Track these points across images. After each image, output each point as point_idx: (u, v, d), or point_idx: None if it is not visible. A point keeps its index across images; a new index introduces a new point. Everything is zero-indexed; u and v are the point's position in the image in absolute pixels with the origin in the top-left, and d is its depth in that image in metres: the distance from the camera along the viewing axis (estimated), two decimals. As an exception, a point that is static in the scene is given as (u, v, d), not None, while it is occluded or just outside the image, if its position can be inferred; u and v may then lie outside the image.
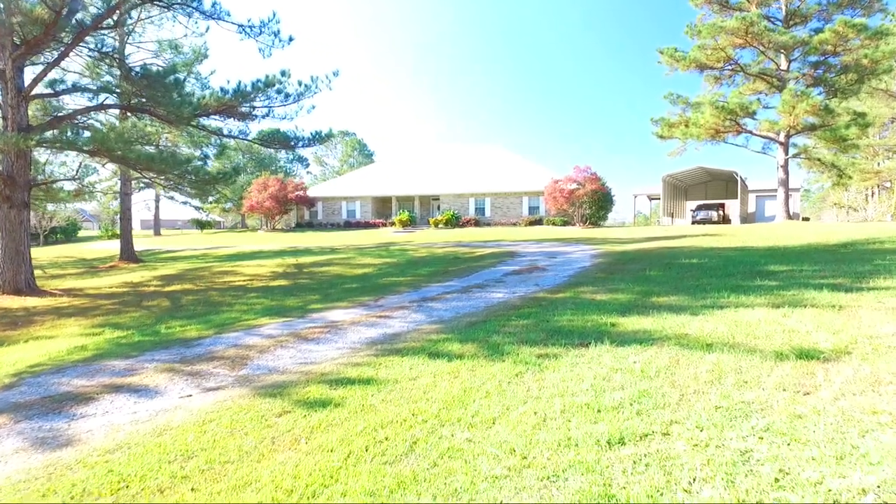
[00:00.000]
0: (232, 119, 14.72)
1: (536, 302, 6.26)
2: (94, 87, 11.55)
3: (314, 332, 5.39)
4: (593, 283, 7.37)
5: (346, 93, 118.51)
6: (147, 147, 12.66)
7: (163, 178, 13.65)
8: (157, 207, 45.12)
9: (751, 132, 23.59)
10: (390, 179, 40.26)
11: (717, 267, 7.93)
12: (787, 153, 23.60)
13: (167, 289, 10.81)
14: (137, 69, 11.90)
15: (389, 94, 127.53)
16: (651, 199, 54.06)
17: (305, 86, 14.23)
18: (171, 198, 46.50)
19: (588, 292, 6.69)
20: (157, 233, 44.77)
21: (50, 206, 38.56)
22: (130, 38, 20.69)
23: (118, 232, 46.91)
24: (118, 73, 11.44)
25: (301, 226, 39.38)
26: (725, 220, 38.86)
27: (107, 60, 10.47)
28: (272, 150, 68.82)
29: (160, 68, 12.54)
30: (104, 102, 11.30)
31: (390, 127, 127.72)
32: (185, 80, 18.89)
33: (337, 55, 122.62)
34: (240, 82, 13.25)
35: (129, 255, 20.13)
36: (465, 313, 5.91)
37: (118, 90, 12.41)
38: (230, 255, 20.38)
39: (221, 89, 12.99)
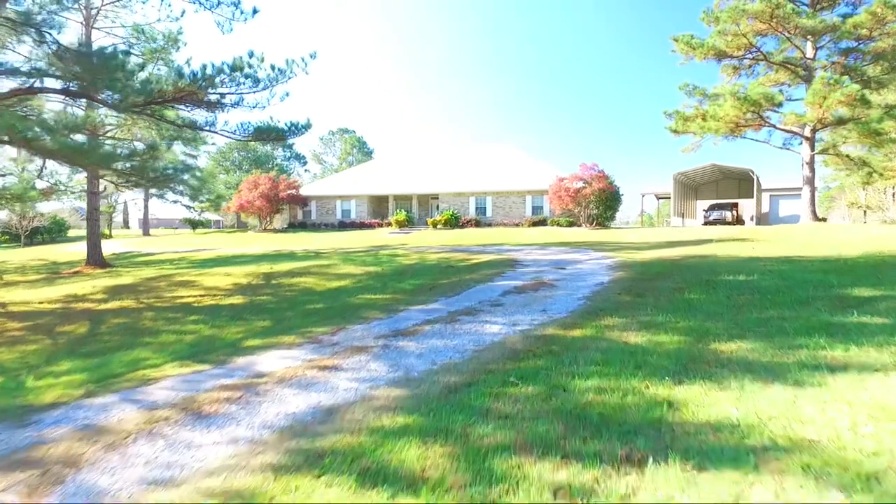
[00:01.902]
0: (200, 109, 13.08)
1: (545, 345, 4.50)
2: (27, 70, 9.84)
3: (220, 398, 3.65)
4: (619, 312, 5.60)
5: (346, 91, 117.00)
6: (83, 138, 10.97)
7: (109, 172, 11.95)
8: (146, 207, 43.54)
9: (774, 126, 21.71)
10: (387, 178, 38.51)
11: (778, 289, 6.15)
12: (812, 149, 21.73)
13: (104, 306, 9.12)
14: (73, 48, 10.21)
15: (389, 91, 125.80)
16: (659, 197, 52.18)
17: (279, 70, 12.47)
18: (161, 196, 45.01)
19: (615, 327, 4.92)
20: (147, 233, 43.21)
21: (40, 207, 37.18)
22: (97, 21, 19.08)
23: (106, 233, 45.58)
24: (54, 52, 9.78)
25: (294, 226, 37.71)
26: (738, 220, 36.97)
27: (33, 35, 8.88)
28: (269, 148, 67.29)
29: (102, 47, 10.83)
30: (34, 86, 9.68)
31: (390, 125, 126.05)
32: (152, 67, 17.23)
33: (337, 54, 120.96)
34: (204, 65, 11.55)
35: (96, 259, 18.48)
36: (443, 364, 4.16)
37: (58, 73, 10.69)
38: (206, 259, 18.71)
39: (178, 72, 11.27)
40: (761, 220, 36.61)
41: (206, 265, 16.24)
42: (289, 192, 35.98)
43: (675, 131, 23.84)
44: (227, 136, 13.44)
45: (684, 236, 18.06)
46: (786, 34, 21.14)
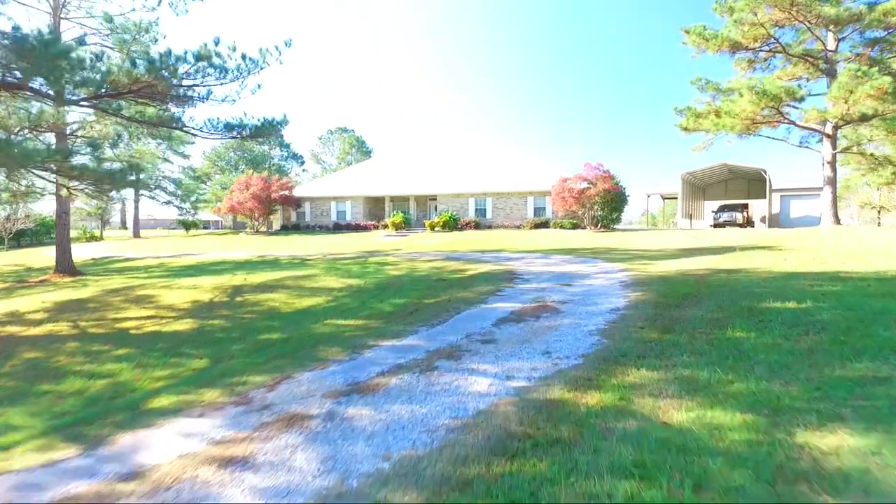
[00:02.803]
0: (171, 104, 11.79)
1: (551, 422, 3.15)
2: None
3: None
4: (647, 359, 4.25)
5: (345, 89, 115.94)
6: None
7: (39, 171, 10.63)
8: (136, 208, 42.33)
9: (793, 123, 20.26)
10: (384, 178, 37.19)
11: (848, 324, 4.77)
12: (834, 147, 20.29)
13: (33, 330, 7.81)
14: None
15: (389, 91, 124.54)
16: (665, 198, 50.76)
17: (251, 59, 11.20)
18: (153, 197, 43.86)
19: (646, 389, 3.57)
20: (137, 235, 42.00)
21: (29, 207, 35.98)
22: (69, 12, 17.81)
23: (97, 234, 44.44)
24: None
25: (287, 228, 36.46)
26: (748, 222, 35.50)
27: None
28: (265, 147, 66.14)
29: (39, 31, 9.51)
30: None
31: (390, 125, 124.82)
32: (121, 60, 15.91)
33: (335, 52, 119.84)
34: (161, 53, 10.25)
35: (65, 267, 17.22)
36: (400, 460, 2.82)
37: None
38: (183, 267, 17.43)
39: (132, 62, 9.97)
40: (772, 221, 35.13)
41: (180, 274, 14.96)
42: (282, 192, 34.72)
43: (686, 129, 22.43)
44: (193, 134, 12.14)
45: (700, 241, 16.66)
46: (806, 24, 19.69)
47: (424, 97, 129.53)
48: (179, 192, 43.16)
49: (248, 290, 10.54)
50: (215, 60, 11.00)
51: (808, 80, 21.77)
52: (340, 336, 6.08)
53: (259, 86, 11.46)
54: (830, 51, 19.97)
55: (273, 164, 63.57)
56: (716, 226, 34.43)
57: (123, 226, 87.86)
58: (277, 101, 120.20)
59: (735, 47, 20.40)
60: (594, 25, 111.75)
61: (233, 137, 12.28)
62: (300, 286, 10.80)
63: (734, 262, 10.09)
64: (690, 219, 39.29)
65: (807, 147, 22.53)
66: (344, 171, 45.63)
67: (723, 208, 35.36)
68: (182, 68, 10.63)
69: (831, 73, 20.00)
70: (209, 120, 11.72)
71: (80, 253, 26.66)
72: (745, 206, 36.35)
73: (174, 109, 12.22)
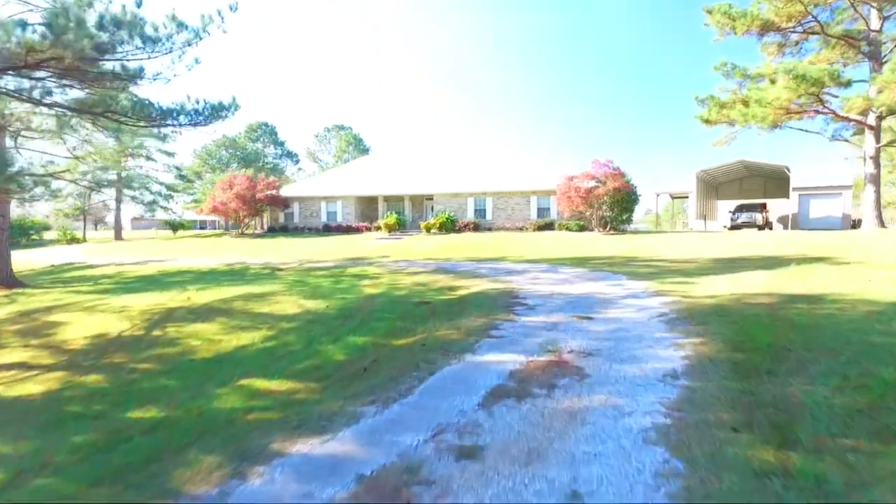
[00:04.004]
0: (95, 84, 9.57)
1: None
2: None
3: None
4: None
5: (344, 88, 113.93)
6: None
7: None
8: (118, 209, 40.20)
9: (833, 112, 17.90)
10: (378, 176, 34.95)
11: None
12: (878, 140, 17.96)
13: None
14: None
15: (388, 88, 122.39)
16: (674, 197, 48.38)
17: (187, 27, 9.01)
18: (134, 198, 41.75)
19: None
20: (119, 237, 39.88)
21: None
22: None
23: (78, 236, 42.35)
24: None
25: (274, 230, 34.26)
26: (766, 223, 33.11)
27: None
28: (259, 145, 63.93)
29: None
30: None
31: (389, 124, 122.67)
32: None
33: (334, 49, 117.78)
34: (61, 8, 8.05)
35: (2, 278, 15.06)
36: None
37: None
38: (136, 277, 15.28)
39: (21, 25, 7.76)
40: (791, 222, 32.72)
41: (124, 289, 12.76)
42: (268, 192, 32.50)
43: (708, 121, 20.10)
44: (120, 122, 9.92)
45: (732, 248, 14.38)
46: (847, 2, 17.35)
47: (424, 97, 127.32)
48: (164, 192, 40.98)
49: (180, 318, 8.33)
50: (148, 31, 8.86)
51: (845, 65, 19.42)
52: (239, 424, 3.85)
53: (196, 60, 9.22)
54: (874, 31, 17.64)
55: (267, 163, 61.46)
56: (733, 227, 32.06)
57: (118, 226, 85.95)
58: (275, 101, 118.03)
59: (765, 28, 18.05)
60: (595, 24, 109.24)
61: (171, 125, 10.06)
62: (247, 311, 8.58)
63: (801, 282, 7.82)
64: (704, 219, 36.93)
65: (843, 140, 20.19)
66: (336, 170, 43.40)
67: (740, 208, 32.96)
68: (98, 37, 8.46)
69: (874, 57, 17.67)
70: (138, 103, 9.52)
71: (43, 258, 24.57)
72: (764, 206, 33.98)
73: (104, 92, 10.04)
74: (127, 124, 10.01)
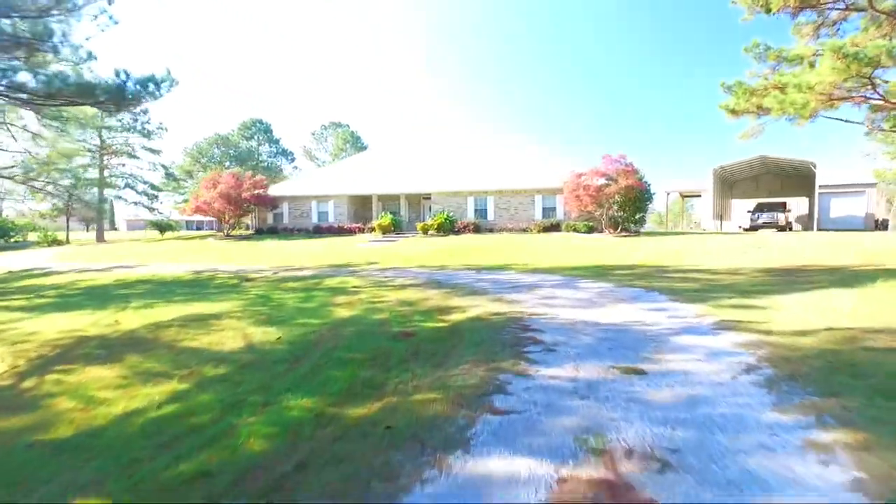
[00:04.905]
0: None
1: None
2: None
3: None
4: None
5: (343, 88, 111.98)
6: None
7: None
8: (99, 209, 38.23)
9: (883, 98, 15.76)
10: (373, 175, 32.92)
11: None
12: (931, 131, 15.86)
13: None
14: None
15: (388, 88, 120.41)
16: (684, 196, 46.31)
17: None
18: (119, 197, 39.85)
19: None
20: (101, 238, 37.92)
21: None
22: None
23: (60, 238, 40.41)
24: None
25: (262, 231, 32.26)
26: (788, 224, 31.00)
27: None
28: (254, 143, 61.91)
29: None
30: None
31: (389, 123, 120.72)
32: None
33: (333, 47, 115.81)
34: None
35: (-71, 289, 13.08)
36: None
37: None
38: (85, 288, 13.29)
39: None
40: (811, 223, 30.58)
41: (64, 302, 10.77)
42: (255, 191, 30.52)
43: (734, 111, 17.83)
44: (25, 101, 7.90)
45: (776, 255, 12.33)
46: (896, -28, 15.21)
47: (424, 97, 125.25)
48: (149, 192, 39.03)
49: (82, 355, 6.30)
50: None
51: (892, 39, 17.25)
52: None
53: (115, 19, 7.22)
54: (926, 7, 15.55)
55: (261, 162, 59.51)
56: (752, 228, 29.97)
57: (112, 226, 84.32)
58: (271, 99, 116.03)
59: (803, 4, 15.89)
60: (597, 22, 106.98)
61: (90, 104, 8.03)
62: (173, 345, 6.54)
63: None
64: (721, 219, 34.83)
65: (884, 131, 18.09)
66: (328, 168, 41.36)
67: (761, 208, 30.87)
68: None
69: (926, 36, 15.52)
70: (41, 77, 7.49)
71: (6, 263, 22.65)
72: (784, 205, 31.87)
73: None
74: (35, 102, 7.98)
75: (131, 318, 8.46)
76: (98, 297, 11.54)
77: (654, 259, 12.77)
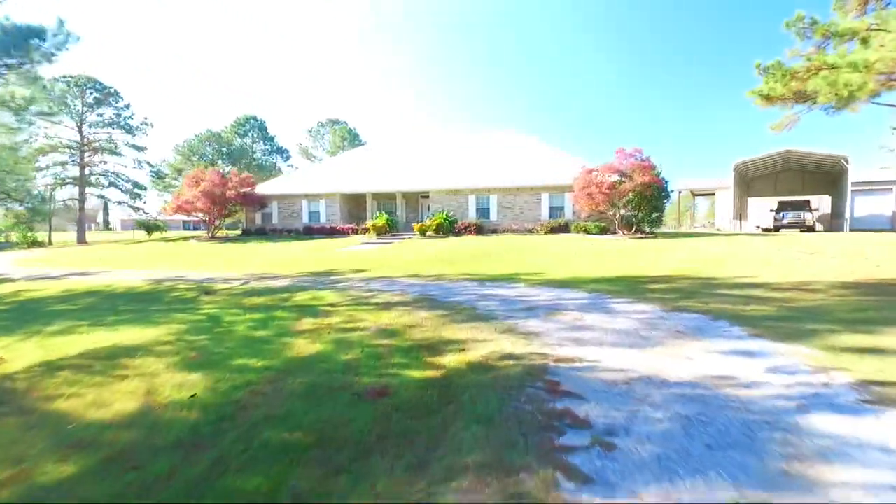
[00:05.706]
0: None
1: None
2: None
3: None
4: None
5: (342, 87, 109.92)
6: None
7: None
8: (81, 209, 36.28)
9: (950, 80, 13.67)
10: (367, 172, 30.87)
11: None
12: None
13: None
14: None
15: (389, 88, 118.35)
16: (696, 194, 44.15)
17: None
18: (101, 196, 37.89)
19: None
20: (82, 240, 35.94)
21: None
22: None
23: (40, 240, 38.48)
24: None
25: (249, 232, 30.24)
26: (813, 224, 28.84)
27: None
28: (249, 140, 59.89)
29: None
30: None
31: (388, 122, 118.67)
32: None
33: (332, 45, 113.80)
34: None
35: None
36: None
37: None
38: (28, 300, 11.38)
39: None
40: (847, 222, 28.40)
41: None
42: (241, 190, 28.51)
43: (769, 97, 15.70)
44: None
45: (834, 263, 10.26)
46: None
47: (425, 96, 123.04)
48: (133, 190, 37.05)
49: None
50: None
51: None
52: None
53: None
54: None
55: (254, 159, 57.51)
56: (776, 228, 27.85)
57: (106, 226, 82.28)
58: (267, 96, 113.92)
59: (853, -28, 13.78)
60: (598, 21, 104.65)
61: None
62: (37, 405, 4.51)
63: None
64: (740, 219, 32.68)
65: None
66: (321, 165, 39.29)
67: (785, 206, 28.72)
68: None
69: None
70: None
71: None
72: (808, 204, 29.72)
73: None
74: None
75: (27, 352, 6.46)
76: (23, 315, 9.55)
77: (690, 267, 10.72)
